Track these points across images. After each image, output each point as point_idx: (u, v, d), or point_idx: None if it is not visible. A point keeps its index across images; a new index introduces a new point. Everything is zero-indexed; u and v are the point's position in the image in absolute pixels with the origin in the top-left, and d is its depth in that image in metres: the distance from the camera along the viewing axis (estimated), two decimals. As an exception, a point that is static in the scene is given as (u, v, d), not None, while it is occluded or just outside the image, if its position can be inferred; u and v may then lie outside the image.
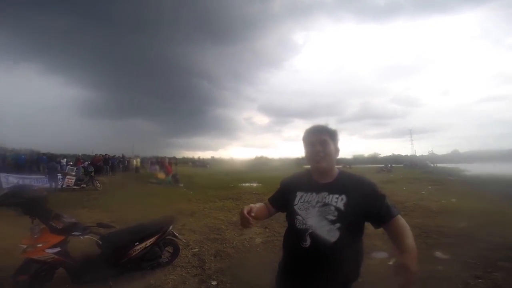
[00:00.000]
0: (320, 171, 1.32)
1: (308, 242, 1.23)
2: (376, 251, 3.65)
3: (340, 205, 1.22)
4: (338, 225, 1.20)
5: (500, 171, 18.98)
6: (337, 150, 1.34)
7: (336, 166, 1.37)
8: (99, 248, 2.84)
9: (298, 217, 1.29)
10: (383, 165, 28.62)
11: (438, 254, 3.58)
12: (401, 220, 1.21)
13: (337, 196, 1.24)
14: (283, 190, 1.48)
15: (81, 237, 2.74)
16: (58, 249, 2.60)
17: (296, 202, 1.33)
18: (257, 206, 1.45)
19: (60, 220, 2.69)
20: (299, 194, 1.34)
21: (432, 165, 31.04)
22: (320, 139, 1.30)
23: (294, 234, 1.29)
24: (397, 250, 1.15)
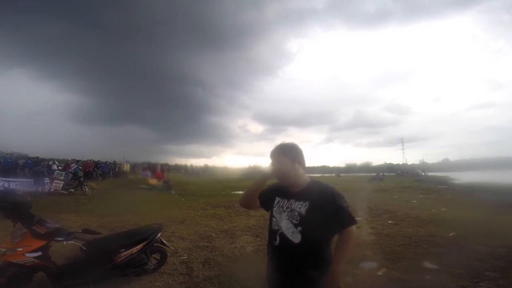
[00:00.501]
0: (294, 184, 1.51)
1: (277, 241, 1.46)
2: (365, 261, 3.64)
3: (303, 210, 1.41)
4: (300, 228, 1.40)
5: (490, 179, 19.30)
6: (300, 166, 1.52)
7: (310, 175, 1.57)
8: (83, 254, 2.81)
9: (273, 219, 1.53)
10: (375, 174, 28.90)
11: (427, 264, 3.58)
12: (352, 233, 1.40)
13: (301, 203, 1.44)
14: (269, 193, 1.64)
15: (65, 243, 2.70)
16: (39, 253, 2.56)
17: (274, 205, 1.56)
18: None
19: (44, 225, 2.65)
20: (277, 199, 1.57)
21: (423, 173, 31.49)
22: (278, 160, 1.51)
23: (270, 234, 1.54)
24: (334, 257, 1.39)
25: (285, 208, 1.49)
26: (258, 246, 4.53)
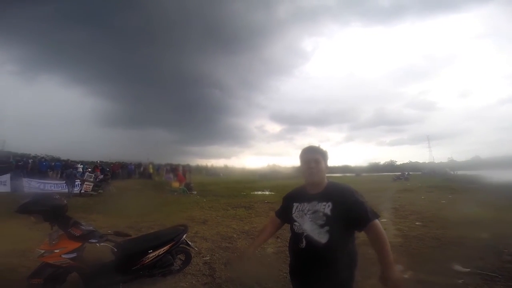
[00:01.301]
0: (313, 184, 1.58)
1: (304, 243, 1.49)
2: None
3: (327, 210, 1.45)
4: (326, 228, 1.43)
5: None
6: (326, 168, 1.60)
7: (329, 175, 1.63)
8: (114, 255, 2.92)
9: (296, 223, 1.57)
10: (400, 173, 27.83)
11: (458, 267, 3.41)
12: (377, 226, 1.42)
13: (324, 203, 1.48)
14: (284, 204, 1.74)
15: (98, 244, 2.83)
16: (74, 254, 2.69)
17: (293, 211, 1.61)
18: (259, 238, 1.89)
19: (78, 227, 2.78)
20: (295, 205, 1.62)
21: (452, 172, 29.92)
22: (314, 158, 1.57)
23: (294, 237, 1.58)
24: (379, 258, 1.40)
25: (306, 211, 1.52)
26: (278, 248, 4.52)
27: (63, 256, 2.63)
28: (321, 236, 1.43)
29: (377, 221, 1.43)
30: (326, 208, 1.46)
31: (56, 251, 2.63)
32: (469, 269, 3.33)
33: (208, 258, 4.02)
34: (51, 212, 2.67)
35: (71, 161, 19.24)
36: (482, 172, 30.64)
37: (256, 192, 14.28)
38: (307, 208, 1.53)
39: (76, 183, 12.47)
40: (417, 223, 6.16)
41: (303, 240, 1.49)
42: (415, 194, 12.38)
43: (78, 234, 2.73)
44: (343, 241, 1.45)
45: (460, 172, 31.48)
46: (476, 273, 3.21)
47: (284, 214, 1.73)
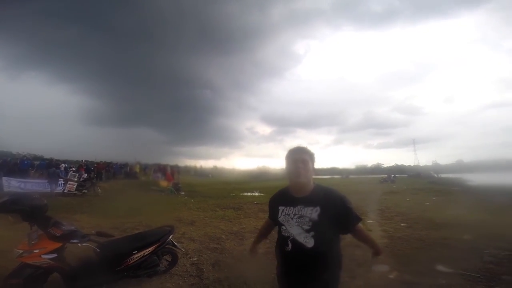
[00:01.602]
0: (299, 186, 1.55)
1: (290, 246, 1.49)
2: (377, 264, 3.57)
3: (315, 216, 1.44)
4: (312, 233, 1.43)
5: (506, 181, 18.66)
6: (313, 170, 1.58)
7: (316, 177, 1.64)
8: (97, 256, 2.85)
9: (283, 227, 1.55)
10: (386, 176, 28.42)
11: (441, 267, 3.49)
12: (361, 227, 1.60)
13: (311, 208, 1.46)
14: (271, 207, 1.73)
15: (79, 245, 2.75)
16: (55, 255, 2.62)
17: (279, 215, 1.58)
18: (259, 237, 1.98)
19: (59, 227, 2.71)
20: (280, 208, 1.59)
21: (436, 175, 30.74)
22: (302, 158, 1.54)
23: (280, 240, 1.57)
24: (369, 245, 1.68)
25: (292, 215, 1.51)
26: (267, 249, 4.47)
27: (43, 256, 2.56)
28: (306, 241, 1.43)
29: (360, 225, 1.58)
30: (313, 213, 1.44)
31: (35, 251, 2.55)
32: (452, 270, 3.41)
33: (195, 259, 3.97)
34: (30, 212, 2.59)
35: (56, 160, 18.67)
36: (465, 175, 31.72)
37: (245, 193, 14.24)
38: (293, 213, 1.51)
39: (59, 182, 12.09)
40: (402, 224, 6.28)
41: (289, 243, 1.49)
42: (400, 196, 12.67)
43: (59, 234, 2.65)
44: (328, 244, 1.46)
45: (443, 175, 32.37)
46: (459, 274, 3.29)
47: (273, 217, 1.73)
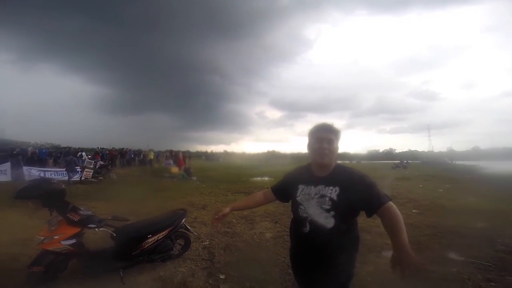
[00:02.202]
0: (321, 166, 1.49)
1: (308, 227, 1.44)
2: (387, 250, 3.58)
3: (334, 195, 1.40)
4: (332, 213, 1.39)
5: (524, 169, 18.03)
6: (338, 149, 1.50)
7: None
8: (113, 240, 2.92)
9: (301, 206, 1.50)
10: (399, 161, 27.87)
11: (453, 255, 3.47)
12: (392, 208, 1.30)
13: (331, 188, 1.42)
14: (286, 183, 1.67)
15: (97, 229, 2.81)
16: (74, 240, 2.69)
17: (298, 194, 1.53)
18: (242, 201, 1.96)
19: (77, 212, 2.77)
20: (300, 187, 1.54)
21: (451, 162, 29.96)
22: (328, 137, 1.47)
23: (297, 221, 1.52)
24: (392, 243, 1.27)
25: (313, 195, 1.46)
26: (277, 232, 4.59)
27: (63, 242, 2.62)
28: (326, 221, 1.39)
29: (391, 203, 1.32)
30: (332, 192, 1.40)
31: (55, 237, 2.61)
32: (463, 258, 3.39)
33: (207, 243, 4.07)
34: (49, 197, 2.65)
35: (73, 148, 19.26)
36: (481, 163, 30.82)
37: (255, 178, 14.37)
38: (313, 192, 1.46)
39: (77, 170, 12.50)
40: (414, 210, 6.22)
41: (307, 224, 1.44)
42: (413, 182, 12.46)
43: (77, 219, 2.71)
44: (348, 226, 1.41)
45: (459, 162, 31.51)
46: (470, 262, 3.26)
47: (282, 193, 1.68)
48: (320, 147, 1.45)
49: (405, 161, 28.26)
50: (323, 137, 1.47)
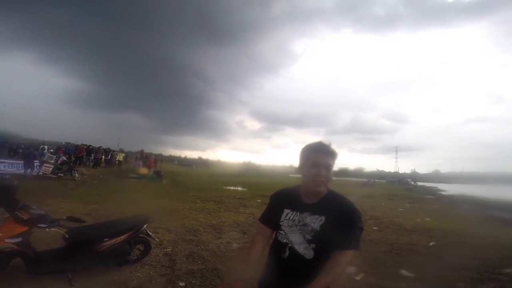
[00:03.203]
0: (311, 192, 1.33)
1: (287, 253, 1.32)
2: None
3: (317, 226, 1.26)
4: (313, 245, 1.26)
5: (477, 193, 19.70)
6: (332, 174, 1.33)
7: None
8: (65, 242, 2.79)
9: (281, 231, 1.37)
10: (367, 180, 29.14)
11: (404, 271, 3.67)
12: (345, 258, 1.21)
13: (316, 216, 1.28)
14: (273, 206, 1.48)
15: (47, 230, 2.69)
16: (19, 239, 2.55)
17: (282, 218, 1.38)
18: (250, 258, 1.39)
19: (27, 211, 2.64)
20: (286, 211, 1.39)
21: (413, 183, 31.84)
22: (326, 163, 1.28)
23: (277, 245, 1.38)
24: (320, 274, 1.18)
25: (297, 222, 1.33)
26: (244, 244, 4.57)
27: (7, 240, 2.48)
28: (306, 252, 1.28)
29: (351, 252, 1.23)
30: (316, 222, 1.27)
31: None
32: (413, 274, 3.59)
33: (169, 249, 3.96)
34: None
35: (39, 141, 17.87)
36: (440, 185, 33.18)
37: (228, 187, 14.25)
38: (298, 219, 1.33)
39: (35, 164, 11.62)
40: (374, 227, 6.51)
41: (287, 250, 1.33)
42: (376, 200, 13.09)
43: (26, 218, 2.58)
44: (328, 257, 1.25)
45: (420, 184, 33.63)
46: (419, 279, 3.47)
47: (272, 218, 1.44)
48: (317, 174, 1.27)
49: (372, 180, 29.62)
50: (321, 162, 1.28)
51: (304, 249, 1.28)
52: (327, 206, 1.28)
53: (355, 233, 1.25)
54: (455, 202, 14.62)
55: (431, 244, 5.11)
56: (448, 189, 26.06)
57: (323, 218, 1.26)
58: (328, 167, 1.28)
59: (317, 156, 1.29)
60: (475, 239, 5.48)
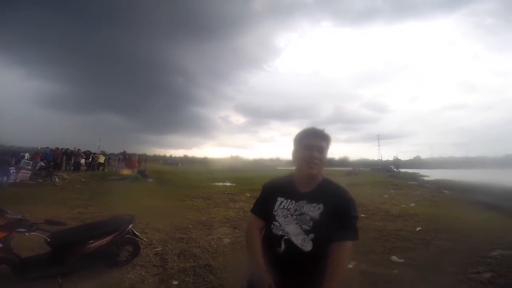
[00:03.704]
0: (307, 178, 1.29)
1: (282, 247, 1.25)
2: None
3: (316, 214, 1.21)
4: (312, 235, 1.20)
5: (456, 177, 20.61)
6: (326, 159, 1.31)
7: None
8: (49, 246, 2.70)
9: (275, 223, 1.29)
10: (351, 168, 29.81)
11: (394, 258, 3.75)
12: (346, 249, 1.19)
13: (314, 205, 1.23)
14: (265, 196, 1.41)
15: (27, 234, 2.57)
16: (0, 245, 2.43)
17: (275, 208, 1.31)
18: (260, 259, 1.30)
19: (3, 215, 2.52)
20: (279, 199, 1.32)
21: (396, 170, 32.89)
22: (319, 145, 1.26)
23: (270, 239, 1.30)
24: (327, 274, 1.15)
25: (292, 211, 1.26)
26: (236, 238, 4.54)
27: None
28: (304, 244, 1.21)
29: (350, 243, 1.20)
30: (315, 211, 1.22)
31: None
32: (403, 260, 3.68)
33: (160, 249, 3.88)
34: None
35: (8, 146, 16.92)
36: (421, 171, 34.48)
37: (216, 183, 14.15)
38: (293, 208, 1.27)
39: (11, 171, 11.03)
40: (362, 215, 6.60)
41: (282, 243, 1.25)
42: (362, 188, 13.36)
43: (3, 223, 2.47)
44: (327, 249, 1.20)
45: (403, 170, 34.79)
46: (409, 264, 3.54)
47: (265, 208, 1.37)
48: (309, 156, 1.24)
49: (357, 168, 30.38)
50: (313, 144, 1.25)
51: (302, 241, 1.22)
52: (324, 194, 1.25)
53: (352, 222, 1.22)
54: (437, 187, 15.21)
55: (417, 229, 5.25)
56: (430, 174, 27.09)
57: (321, 206, 1.22)
58: (321, 149, 1.26)
59: (310, 138, 1.27)
60: (460, 223, 5.66)
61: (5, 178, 10.49)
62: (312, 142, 1.26)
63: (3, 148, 16.14)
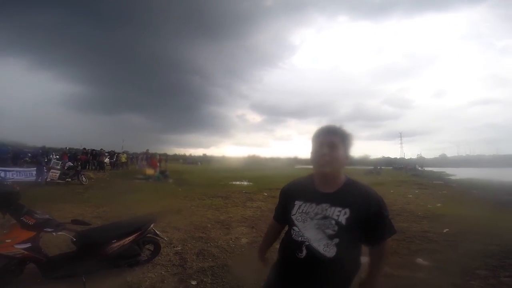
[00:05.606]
0: (325, 178, 1.22)
1: (304, 253, 1.18)
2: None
3: (342, 219, 1.13)
4: (336, 240, 1.13)
5: (486, 176, 19.45)
6: (347, 157, 1.22)
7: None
8: (74, 245, 2.79)
9: (295, 228, 1.23)
10: (373, 167, 28.98)
11: (420, 260, 3.59)
12: (386, 245, 1.24)
13: (339, 209, 1.15)
14: (283, 200, 1.38)
15: (54, 234, 2.67)
16: (29, 244, 2.54)
17: (294, 212, 1.25)
18: (266, 242, 1.60)
19: (32, 216, 2.62)
20: (297, 203, 1.26)
21: (420, 168, 31.60)
22: (329, 141, 1.18)
23: (290, 244, 1.25)
24: (368, 269, 1.21)
25: (313, 214, 1.19)
26: (253, 238, 4.54)
27: (16, 246, 2.47)
28: (327, 249, 1.13)
29: (389, 239, 1.23)
30: (341, 215, 1.13)
31: (7, 241, 2.46)
32: (429, 263, 3.50)
33: (179, 248, 3.94)
34: (1, 200, 2.52)
35: (47, 148, 18.08)
36: (447, 169, 32.86)
37: (234, 182, 14.26)
38: (314, 211, 1.19)
39: (44, 171, 11.72)
40: (385, 215, 6.41)
41: (304, 249, 1.18)
42: (385, 187, 12.93)
43: (32, 223, 2.56)
44: (352, 255, 1.17)
45: (427, 169, 33.35)
46: (436, 267, 3.37)
47: (283, 214, 1.34)
48: (319, 152, 1.19)
49: (378, 167, 29.45)
50: (324, 141, 1.19)
51: (325, 246, 1.14)
52: (349, 196, 1.17)
53: (388, 221, 1.19)
54: (465, 186, 14.40)
55: (445, 230, 4.99)
56: (456, 173, 25.76)
57: (347, 210, 1.13)
58: (332, 145, 1.17)
59: (321, 136, 1.22)
60: (490, 224, 5.34)
61: (40, 178, 11.21)
62: (321, 139, 1.21)
63: (33, 149, 17.14)
